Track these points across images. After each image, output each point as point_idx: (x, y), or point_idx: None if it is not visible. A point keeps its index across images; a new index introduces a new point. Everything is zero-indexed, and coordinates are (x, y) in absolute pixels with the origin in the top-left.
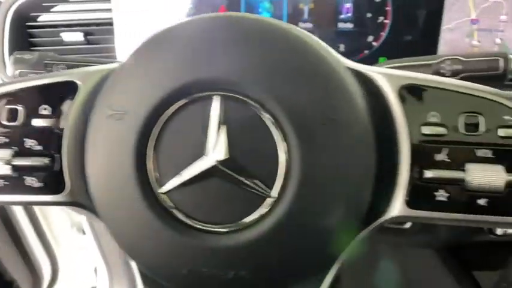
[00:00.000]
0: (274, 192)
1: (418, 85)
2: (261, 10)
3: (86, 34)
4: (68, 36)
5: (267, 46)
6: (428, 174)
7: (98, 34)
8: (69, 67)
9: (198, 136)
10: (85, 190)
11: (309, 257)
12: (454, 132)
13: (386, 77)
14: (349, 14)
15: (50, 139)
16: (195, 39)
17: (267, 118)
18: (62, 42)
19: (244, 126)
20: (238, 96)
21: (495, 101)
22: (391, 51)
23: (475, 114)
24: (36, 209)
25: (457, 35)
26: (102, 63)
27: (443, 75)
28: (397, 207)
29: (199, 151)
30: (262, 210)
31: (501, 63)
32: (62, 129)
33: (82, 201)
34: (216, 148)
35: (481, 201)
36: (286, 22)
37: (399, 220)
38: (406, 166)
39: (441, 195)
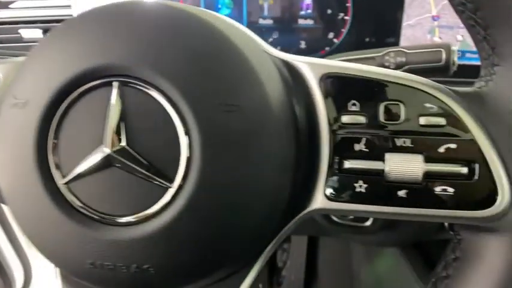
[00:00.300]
0: (176, 182)
1: (339, 74)
2: (221, 6)
3: (45, 31)
4: (26, 33)
5: (165, 30)
6: (347, 164)
7: None
8: None
9: (97, 125)
10: None
11: (215, 252)
12: (374, 121)
13: (309, 65)
14: (309, 11)
15: None
16: (94, 27)
17: (166, 104)
18: (20, 39)
19: (143, 113)
20: (135, 81)
21: (416, 88)
22: (352, 47)
23: (396, 103)
24: (8, 211)
25: (418, 31)
26: None
27: (387, 67)
28: (318, 199)
29: (97, 140)
30: (164, 201)
31: (444, 54)
32: None
33: None
34: (114, 137)
35: (401, 193)
36: (246, 19)
37: (321, 213)
38: (325, 157)
39: (360, 186)
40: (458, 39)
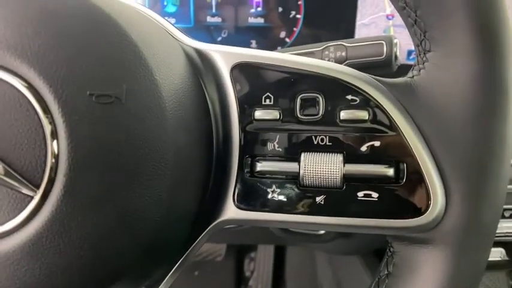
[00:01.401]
0: (41, 189)
1: (252, 63)
2: (167, 3)
3: None
4: None
5: (32, 7)
6: (259, 167)
7: None
8: None
9: None
10: None
11: (96, 268)
12: (289, 116)
13: (221, 54)
14: (260, 9)
15: None
16: None
17: (28, 94)
18: None
19: (4, 106)
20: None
21: (336, 78)
22: None
23: (314, 95)
24: None
25: (372, 30)
26: None
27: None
28: (229, 208)
29: None
30: (25, 213)
31: (385, 47)
32: None
33: None
34: None
35: (319, 199)
36: (193, 17)
37: (232, 224)
38: (235, 158)
39: (273, 191)
40: None
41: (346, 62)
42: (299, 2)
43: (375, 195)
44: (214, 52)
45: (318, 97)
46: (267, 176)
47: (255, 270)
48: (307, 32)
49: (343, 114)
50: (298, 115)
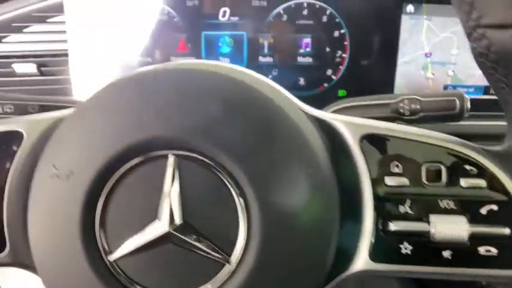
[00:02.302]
0: (234, 258)
1: (379, 134)
2: (221, 44)
3: (40, 65)
4: (20, 67)
5: (218, 100)
6: (393, 226)
7: (52, 65)
8: (17, 107)
9: (150, 199)
10: (28, 250)
11: None
12: (417, 182)
13: (347, 125)
14: (308, 49)
15: None
16: (143, 95)
17: (225, 178)
18: (13, 74)
19: (201, 187)
20: (192, 154)
21: (457, 151)
22: (350, 84)
23: (437, 164)
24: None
25: (412, 67)
26: (53, 105)
27: (402, 114)
28: (361, 261)
29: (151, 215)
30: (221, 277)
31: (457, 102)
32: (3, 183)
33: (25, 262)
34: (170, 212)
35: (446, 253)
36: (246, 57)
37: (363, 274)
38: (370, 219)
39: (406, 248)
40: (450, 75)
41: (420, 115)
42: (345, 43)
43: (494, 250)
44: (339, 122)
45: (440, 167)
46: (399, 234)
47: None
48: (352, 70)
49: (464, 183)
50: (424, 181)
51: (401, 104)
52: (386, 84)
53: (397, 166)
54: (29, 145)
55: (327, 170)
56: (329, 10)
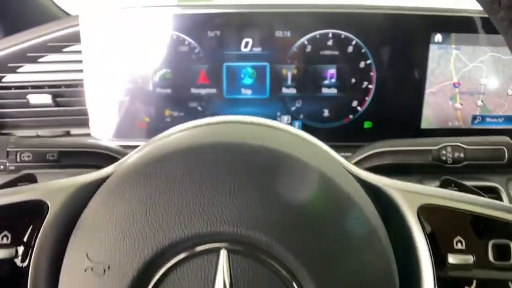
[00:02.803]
0: None
1: (439, 206)
2: (243, 76)
3: (55, 96)
4: (34, 98)
5: (275, 189)
6: None
7: (67, 96)
8: (35, 155)
9: None
10: None
11: None
12: (483, 261)
13: (403, 194)
14: (333, 80)
15: (10, 279)
16: (194, 175)
17: (283, 273)
18: (28, 105)
19: (254, 282)
20: (246, 249)
21: None
22: (376, 115)
23: (506, 241)
24: None
25: (440, 98)
26: (73, 151)
27: (444, 162)
28: None
29: None
30: None
31: (506, 152)
32: (26, 264)
33: None
34: None
35: None
36: (269, 88)
37: None
38: None
39: None
40: (478, 105)
41: (464, 163)
42: (371, 73)
43: None
44: (394, 190)
45: (509, 243)
46: None
47: None
48: (378, 101)
49: None
50: (492, 260)
51: (443, 151)
52: (413, 115)
53: (460, 242)
54: (55, 216)
55: (390, 255)
56: (355, 40)
